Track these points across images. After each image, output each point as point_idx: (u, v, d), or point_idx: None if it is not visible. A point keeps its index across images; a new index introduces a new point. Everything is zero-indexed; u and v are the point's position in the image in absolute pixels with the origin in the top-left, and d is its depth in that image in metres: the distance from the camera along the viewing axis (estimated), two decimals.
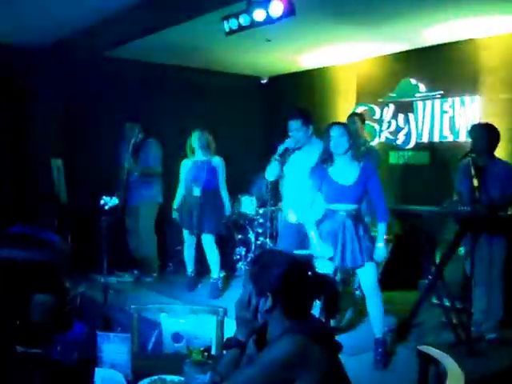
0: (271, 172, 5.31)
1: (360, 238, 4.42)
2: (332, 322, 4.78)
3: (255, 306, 2.06)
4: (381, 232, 4.50)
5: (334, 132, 4.46)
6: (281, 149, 5.12)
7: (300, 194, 4.92)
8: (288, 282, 2.04)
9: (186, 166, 6.50)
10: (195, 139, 6.39)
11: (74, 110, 7.27)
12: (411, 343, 4.70)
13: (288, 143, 5.12)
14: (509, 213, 4.94)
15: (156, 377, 2.29)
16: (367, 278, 4.50)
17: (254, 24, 5.29)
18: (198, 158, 6.41)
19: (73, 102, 7.24)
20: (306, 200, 4.66)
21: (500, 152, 5.15)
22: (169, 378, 2.29)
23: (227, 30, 5.48)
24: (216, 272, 6.46)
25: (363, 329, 5.03)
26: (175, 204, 6.60)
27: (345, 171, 4.46)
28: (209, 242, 6.40)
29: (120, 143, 7.05)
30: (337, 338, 2.17)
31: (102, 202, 6.38)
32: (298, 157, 5.17)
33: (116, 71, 7.38)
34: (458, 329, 4.73)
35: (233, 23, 5.40)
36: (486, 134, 4.89)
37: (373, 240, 4.52)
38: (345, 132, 4.46)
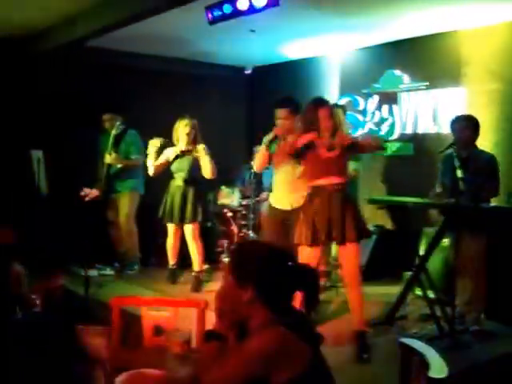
0: (259, 161, 5.27)
1: (346, 215, 4.39)
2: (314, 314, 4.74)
3: (235, 298, 2.02)
4: None
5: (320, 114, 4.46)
6: (270, 136, 5.09)
7: (286, 181, 5.10)
8: (268, 274, 2.00)
9: (167, 153, 6.40)
10: (181, 127, 6.29)
11: (53, 101, 7.18)
12: (395, 335, 4.68)
13: (276, 131, 5.09)
14: (492, 204, 4.96)
15: (135, 371, 2.26)
16: (349, 260, 4.46)
17: (237, 14, 5.24)
18: (180, 148, 6.33)
19: (51, 93, 7.14)
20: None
21: (484, 143, 5.15)
22: (148, 371, 2.26)
23: (210, 19, 5.43)
24: (199, 265, 6.41)
25: (346, 321, 5.00)
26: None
27: (328, 144, 4.48)
28: (192, 232, 6.35)
29: (99, 135, 6.99)
30: (319, 329, 2.15)
31: (82, 193, 6.36)
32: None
33: (95, 61, 7.30)
34: (441, 321, 4.72)
35: (216, 13, 5.34)
36: (468, 126, 4.89)
37: (359, 221, 4.50)
38: (327, 108, 4.50)
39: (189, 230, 6.34)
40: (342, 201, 4.41)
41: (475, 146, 4.92)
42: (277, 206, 5.30)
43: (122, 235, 7.01)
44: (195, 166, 6.26)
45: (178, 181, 6.30)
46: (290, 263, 2.06)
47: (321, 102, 4.58)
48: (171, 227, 6.45)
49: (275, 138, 5.06)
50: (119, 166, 6.80)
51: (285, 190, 5.20)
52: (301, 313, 2.10)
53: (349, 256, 4.45)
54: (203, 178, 6.30)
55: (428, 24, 6.30)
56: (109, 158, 6.70)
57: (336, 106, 6.66)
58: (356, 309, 4.49)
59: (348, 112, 7.07)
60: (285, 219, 5.09)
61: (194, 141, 6.28)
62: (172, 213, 6.31)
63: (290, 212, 5.01)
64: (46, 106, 7.20)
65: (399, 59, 7.17)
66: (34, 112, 7.10)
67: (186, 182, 6.27)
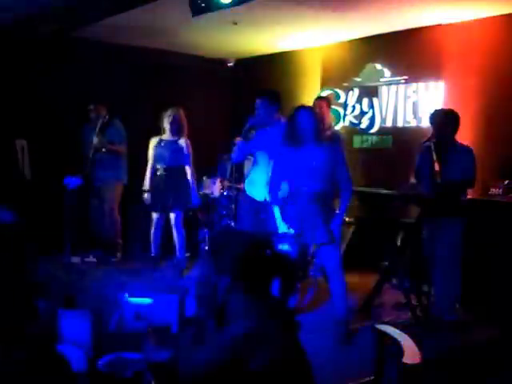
0: (237, 152, 5.31)
1: (323, 219, 4.43)
2: (292, 302, 4.79)
3: (215, 285, 2.08)
4: (343, 199, 4.55)
5: (302, 117, 4.49)
6: (246, 126, 5.15)
7: (263, 171, 5.08)
8: (246, 261, 2.05)
9: (152, 144, 6.47)
10: (163, 118, 6.38)
11: (37, 91, 7.15)
12: (371, 323, 4.76)
13: (253, 120, 5.15)
14: (468, 197, 5.06)
15: (116, 354, 2.31)
16: (330, 259, 4.54)
17: (220, 6, 5.27)
18: (165, 137, 6.42)
19: (35, 82, 7.12)
20: (266, 178, 4.81)
21: (463, 137, 5.23)
22: (129, 355, 2.31)
23: (193, 11, 5.45)
24: (180, 253, 6.48)
25: (324, 309, 5.08)
26: (145, 185, 6.57)
27: (311, 153, 4.49)
28: (177, 220, 6.41)
29: (84, 125, 7.01)
30: (298, 317, 2.21)
31: (65, 182, 6.38)
32: (263, 135, 5.22)
33: (80, 51, 7.28)
34: (416, 310, 4.81)
35: (199, 5, 5.37)
36: (447, 120, 4.96)
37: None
38: (311, 117, 4.50)
39: (174, 218, 6.40)
40: (317, 209, 4.43)
41: (454, 140, 5.00)
42: (251, 195, 5.38)
43: (105, 223, 7.05)
44: (176, 155, 6.33)
45: (159, 170, 6.37)
46: (266, 251, 2.12)
47: (300, 107, 4.60)
48: (155, 215, 6.51)
49: (253, 127, 5.14)
50: (103, 154, 6.83)
51: (260, 181, 5.27)
52: (279, 299, 2.16)
53: (327, 255, 4.54)
54: (184, 166, 6.41)
55: (409, 18, 6.36)
56: (96, 140, 6.70)
57: (320, 98, 6.74)
58: (338, 296, 4.56)
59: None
60: (258, 209, 5.16)
61: (178, 131, 6.37)
62: (157, 202, 6.39)
63: (264, 203, 5.07)
64: (30, 96, 7.18)
65: (380, 53, 7.22)
66: (19, 101, 7.08)
67: (167, 170, 6.34)
